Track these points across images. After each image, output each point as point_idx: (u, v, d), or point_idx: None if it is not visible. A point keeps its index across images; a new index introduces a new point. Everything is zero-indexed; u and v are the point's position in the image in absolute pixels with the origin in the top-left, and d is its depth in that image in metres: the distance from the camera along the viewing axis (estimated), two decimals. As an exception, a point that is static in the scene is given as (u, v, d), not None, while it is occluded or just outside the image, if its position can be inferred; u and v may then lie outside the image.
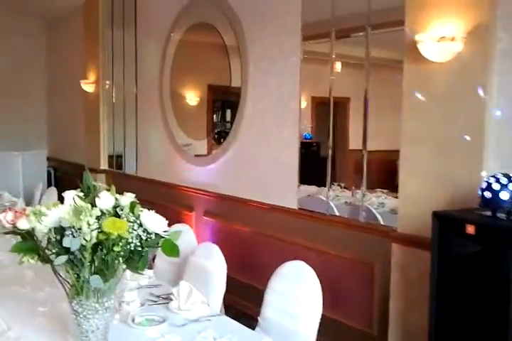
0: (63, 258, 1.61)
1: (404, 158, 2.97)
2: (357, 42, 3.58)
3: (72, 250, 1.61)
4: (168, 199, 5.33)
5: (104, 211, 1.71)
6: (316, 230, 3.73)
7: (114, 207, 1.75)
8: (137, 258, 1.71)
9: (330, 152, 3.73)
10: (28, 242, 1.75)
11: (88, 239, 1.62)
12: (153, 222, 1.72)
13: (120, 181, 6.34)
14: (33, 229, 1.68)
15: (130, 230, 1.67)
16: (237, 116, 4.43)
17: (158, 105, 5.53)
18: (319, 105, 4.10)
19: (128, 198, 1.81)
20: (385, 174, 3.83)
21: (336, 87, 3.67)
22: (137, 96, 5.94)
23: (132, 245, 1.68)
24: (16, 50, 8.02)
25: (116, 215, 1.73)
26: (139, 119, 5.96)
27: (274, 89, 4.06)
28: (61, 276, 1.74)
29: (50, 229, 1.65)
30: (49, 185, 7.02)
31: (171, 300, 2.31)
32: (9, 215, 1.69)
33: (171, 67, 5.34)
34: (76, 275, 1.71)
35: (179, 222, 3.76)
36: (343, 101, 3.99)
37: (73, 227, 1.61)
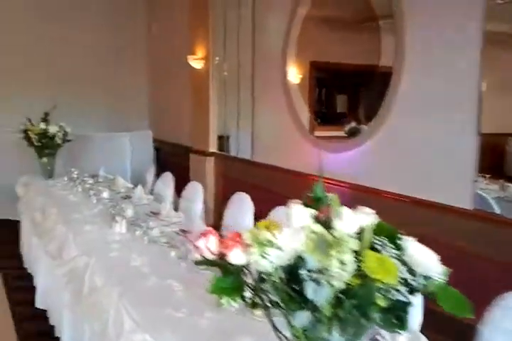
0: (304, 315, 1.05)
1: None
2: None
3: (316, 303, 1.04)
4: (289, 189, 4.78)
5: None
6: (498, 236, 3.03)
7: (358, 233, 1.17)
8: (398, 312, 1.13)
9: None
10: (229, 278, 1.22)
11: (336, 284, 1.05)
12: (423, 257, 1.13)
13: (231, 166, 5.87)
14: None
15: (394, 271, 1.09)
16: (387, 98, 3.75)
17: (280, 84, 4.94)
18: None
19: (368, 216, 1.22)
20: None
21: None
22: (254, 73, 5.39)
23: (396, 294, 1.10)
24: (116, 30, 7.70)
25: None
26: (257, 98, 5.42)
27: (441, 65, 3.34)
28: (280, 332, 1.20)
29: (276, 268, 1.09)
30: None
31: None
32: (212, 242, 1.15)
33: (297, 41, 4.73)
34: (303, 331, 1.16)
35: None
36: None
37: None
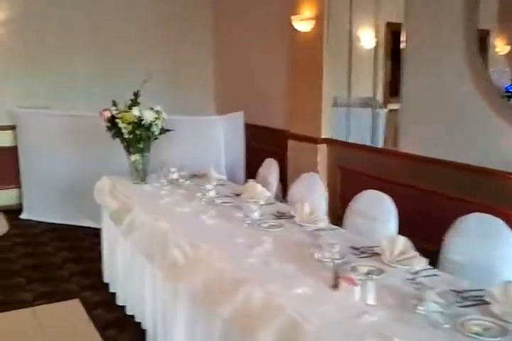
0: None
1: None
2: None
3: None
4: (473, 193, 3.47)
5: None
6: None
7: None
8: None
9: None
10: None
11: None
12: None
13: (353, 157, 4.58)
14: None
15: None
16: None
17: (458, 50, 3.59)
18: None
19: None
20: None
21: None
22: (408, 36, 4.00)
23: None
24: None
25: None
26: (408, 68, 4.05)
27: None
28: None
29: None
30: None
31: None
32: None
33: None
34: None
35: None
36: None
37: None
